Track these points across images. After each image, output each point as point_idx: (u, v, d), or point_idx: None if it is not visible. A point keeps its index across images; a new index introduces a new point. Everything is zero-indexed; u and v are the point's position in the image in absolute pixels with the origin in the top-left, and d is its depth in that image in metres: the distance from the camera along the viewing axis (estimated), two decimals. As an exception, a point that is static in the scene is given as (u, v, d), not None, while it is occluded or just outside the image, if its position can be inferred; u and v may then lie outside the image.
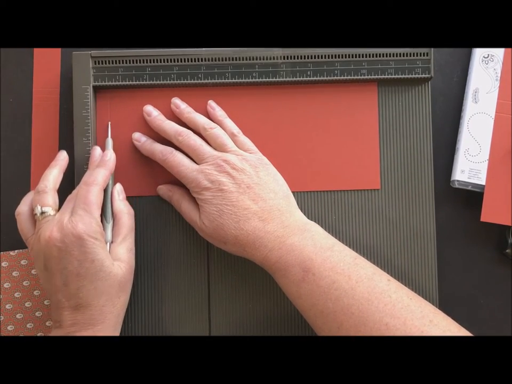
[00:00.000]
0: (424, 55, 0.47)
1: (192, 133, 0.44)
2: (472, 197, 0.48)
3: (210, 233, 0.42)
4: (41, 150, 0.48)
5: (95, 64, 0.46)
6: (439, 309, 0.47)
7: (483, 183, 0.46)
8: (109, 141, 0.46)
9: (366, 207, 0.47)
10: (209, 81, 0.46)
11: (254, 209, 0.41)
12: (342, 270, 0.39)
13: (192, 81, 0.46)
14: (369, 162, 0.47)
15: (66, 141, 0.47)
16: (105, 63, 0.46)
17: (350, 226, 0.47)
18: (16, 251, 0.47)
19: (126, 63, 0.46)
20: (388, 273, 0.47)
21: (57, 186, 0.44)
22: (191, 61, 0.46)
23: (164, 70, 0.46)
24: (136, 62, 0.46)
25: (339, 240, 0.43)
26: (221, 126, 0.45)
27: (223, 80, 0.46)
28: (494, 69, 0.47)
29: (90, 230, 0.40)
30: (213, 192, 0.42)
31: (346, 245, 0.42)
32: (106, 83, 0.46)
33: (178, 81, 0.46)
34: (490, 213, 0.46)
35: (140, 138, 0.46)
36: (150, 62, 0.46)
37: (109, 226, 0.44)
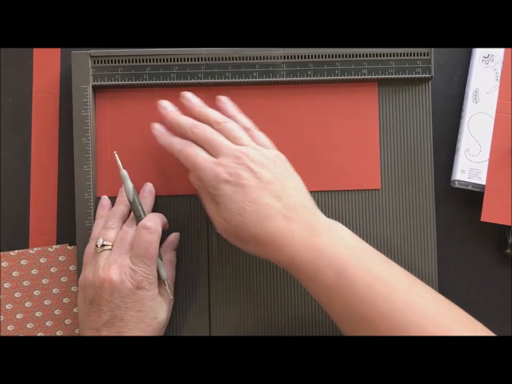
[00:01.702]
0: (424, 55, 0.47)
1: (208, 126, 0.42)
2: (472, 197, 0.48)
3: (230, 231, 0.40)
4: (41, 150, 0.48)
5: (94, 63, 0.46)
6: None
7: (483, 183, 0.46)
8: (125, 174, 0.43)
9: (366, 207, 0.47)
10: (209, 81, 0.46)
11: (276, 206, 0.39)
12: (376, 273, 0.38)
13: (192, 81, 0.46)
14: (370, 162, 0.47)
15: (66, 140, 0.47)
16: (105, 63, 0.46)
17: (350, 226, 0.47)
18: (16, 251, 0.47)
19: (126, 62, 0.46)
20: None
21: (124, 220, 0.44)
22: (191, 61, 0.46)
23: (163, 69, 0.46)
24: (136, 62, 0.46)
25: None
26: (236, 120, 0.43)
27: (223, 80, 0.46)
28: (494, 69, 0.47)
29: (147, 282, 0.41)
30: (232, 186, 0.39)
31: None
32: (106, 83, 0.46)
33: (178, 81, 0.46)
34: (490, 213, 0.46)
35: (160, 129, 0.44)
36: (150, 62, 0.46)
37: (162, 264, 0.43)
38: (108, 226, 0.43)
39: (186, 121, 0.43)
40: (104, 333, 0.40)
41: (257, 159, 0.40)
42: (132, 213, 0.43)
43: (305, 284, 0.40)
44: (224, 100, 0.45)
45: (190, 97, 0.44)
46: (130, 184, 0.43)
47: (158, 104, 0.44)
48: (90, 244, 0.44)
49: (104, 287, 0.40)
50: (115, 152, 0.43)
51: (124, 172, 0.43)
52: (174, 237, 0.46)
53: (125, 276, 0.40)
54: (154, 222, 0.42)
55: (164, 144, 0.44)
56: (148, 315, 0.41)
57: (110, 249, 0.42)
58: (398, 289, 0.38)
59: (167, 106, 0.44)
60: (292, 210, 0.39)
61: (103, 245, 0.42)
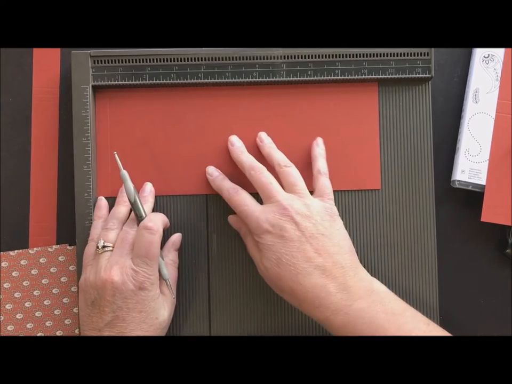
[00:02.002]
0: (424, 55, 0.47)
1: (265, 169, 0.43)
2: (472, 197, 0.48)
3: (268, 279, 0.41)
4: (41, 149, 0.48)
5: (94, 63, 0.46)
6: (439, 309, 0.47)
7: (483, 183, 0.46)
8: (125, 174, 0.43)
9: (367, 207, 0.47)
10: (209, 81, 0.46)
11: (316, 262, 0.39)
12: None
13: (192, 81, 0.46)
14: (370, 162, 0.47)
15: (66, 140, 0.47)
16: (105, 63, 0.46)
17: (350, 226, 0.47)
18: (16, 251, 0.47)
19: (126, 62, 0.46)
20: (387, 272, 0.47)
21: (125, 221, 0.44)
22: (191, 61, 0.46)
23: (163, 69, 0.46)
24: (136, 62, 0.46)
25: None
26: (315, 162, 0.44)
27: (223, 80, 0.46)
28: (494, 69, 0.47)
29: (149, 283, 0.40)
30: (273, 237, 0.40)
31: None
32: (106, 82, 0.46)
33: (178, 81, 0.46)
34: (491, 213, 0.46)
35: (212, 173, 0.46)
36: (150, 62, 0.46)
37: (163, 264, 0.43)
38: (108, 227, 0.43)
39: (246, 160, 0.44)
40: (106, 333, 0.40)
41: (303, 211, 0.40)
42: (132, 213, 0.43)
43: None
44: (320, 142, 0.46)
45: (263, 137, 0.46)
46: (131, 185, 0.43)
47: (228, 139, 0.46)
48: (89, 245, 0.44)
49: (106, 288, 0.40)
50: (115, 152, 0.43)
51: (124, 172, 0.43)
52: (176, 237, 0.46)
53: (127, 276, 0.40)
54: (155, 222, 0.42)
55: (215, 188, 0.45)
56: (150, 315, 0.41)
57: (111, 251, 0.42)
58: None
59: (234, 142, 0.46)
60: (331, 269, 0.39)
61: (104, 246, 0.42)
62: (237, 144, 0.46)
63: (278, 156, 0.44)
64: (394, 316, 0.38)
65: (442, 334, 0.39)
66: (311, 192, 0.43)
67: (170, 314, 0.44)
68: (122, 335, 0.40)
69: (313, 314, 0.39)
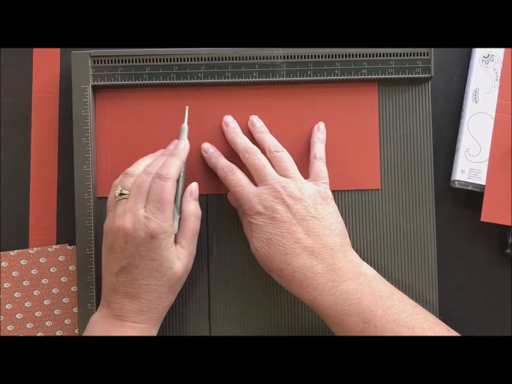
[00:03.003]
0: (424, 55, 0.47)
1: (259, 151, 0.43)
2: (472, 197, 0.48)
3: (259, 258, 0.41)
4: (41, 149, 0.48)
5: (94, 63, 0.46)
6: (439, 309, 0.47)
7: (483, 183, 0.46)
8: (185, 128, 0.44)
9: (366, 207, 0.47)
10: (209, 81, 0.46)
11: (305, 244, 0.39)
12: (405, 322, 0.38)
13: (192, 81, 0.46)
14: (370, 162, 0.47)
15: (66, 140, 0.47)
16: (105, 63, 0.46)
17: (350, 226, 0.47)
18: (16, 251, 0.47)
19: (125, 62, 0.46)
20: (387, 272, 0.47)
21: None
22: (191, 61, 0.46)
23: (163, 69, 0.46)
24: (136, 62, 0.46)
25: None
26: (313, 147, 0.45)
27: (223, 80, 0.46)
28: (494, 69, 0.47)
29: (161, 231, 0.40)
30: (265, 218, 0.40)
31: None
32: (106, 82, 0.46)
33: (178, 81, 0.46)
34: (490, 213, 0.46)
35: (208, 149, 0.46)
36: (150, 62, 0.46)
37: (177, 219, 0.42)
38: (128, 173, 0.42)
39: (241, 143, 0.44)
40: (122, 278, 0.40)
41: (296, 194, 0.41)
42: (151, 160, 0.43)
43: (329, 325, 0.40)
44: (321, 128, 0.46)
45: (255, 121, 0.46)
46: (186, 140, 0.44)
47: (222, 119, 0.46)
48: (112, 190, 0.43)
49: (119, 235, 0.40)
50: (187, 107, 0.45)
51: (185, 126, 0.44)
52: (193, 186, 0.44)
53: (138, 224, 0.39)
54: (168, 169, 0.41)
55: (210, 165, 0.46)
56: (163, 265, 0.40)
57: (127, 198, 0.41)
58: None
59: (229, 122, 0.46)
60: (319, 250, 0.39)
61: (121, 194, 0.41)
62: (231, 125, 0.46)
63: (269, 141, 0.44)
64: (382, 298, 0.39)
65: (428, 316, 0.40)
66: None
67: (187, 269, 0.43)
68: (135, 282, 0.40)
69: (301, 295, 0.40)
